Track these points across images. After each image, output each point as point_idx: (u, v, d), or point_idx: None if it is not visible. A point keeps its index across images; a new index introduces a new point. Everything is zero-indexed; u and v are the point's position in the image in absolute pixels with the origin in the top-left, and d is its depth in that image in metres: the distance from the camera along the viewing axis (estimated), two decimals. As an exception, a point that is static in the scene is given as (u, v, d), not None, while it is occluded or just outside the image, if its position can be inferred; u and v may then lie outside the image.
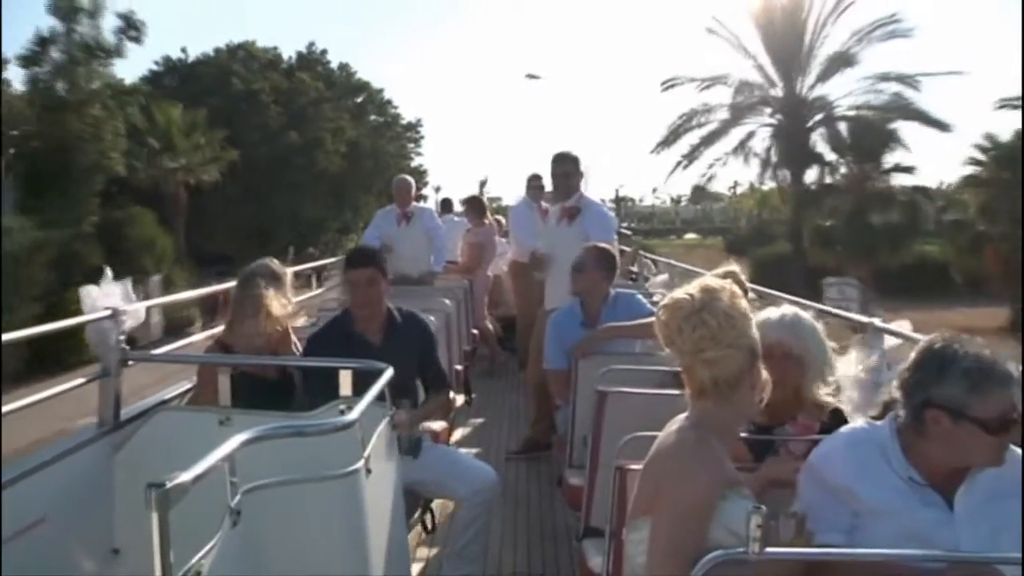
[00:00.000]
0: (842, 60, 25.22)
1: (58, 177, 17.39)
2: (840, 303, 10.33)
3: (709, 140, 26.76)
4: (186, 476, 1.21)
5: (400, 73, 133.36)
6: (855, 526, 1.74)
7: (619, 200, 53.02)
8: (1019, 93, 21.97)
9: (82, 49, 18.34)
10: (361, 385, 2.27)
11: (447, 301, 5.34)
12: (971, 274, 22.99)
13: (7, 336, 2.36)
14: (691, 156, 26.94)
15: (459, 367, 5.47)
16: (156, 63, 28.92)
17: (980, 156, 23.05)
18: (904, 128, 24.61)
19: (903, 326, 2.79)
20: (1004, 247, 20.99)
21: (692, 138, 26.91)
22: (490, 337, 7.97)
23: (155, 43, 47.84)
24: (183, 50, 29.84)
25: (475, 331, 7.08)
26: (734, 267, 3.20)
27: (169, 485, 1.16)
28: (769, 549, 1.35)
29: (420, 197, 15.67)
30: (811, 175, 26.13)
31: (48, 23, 18.26)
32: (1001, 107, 22.70)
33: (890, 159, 25.13)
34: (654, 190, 72.70)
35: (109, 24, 18.86)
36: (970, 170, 23.64)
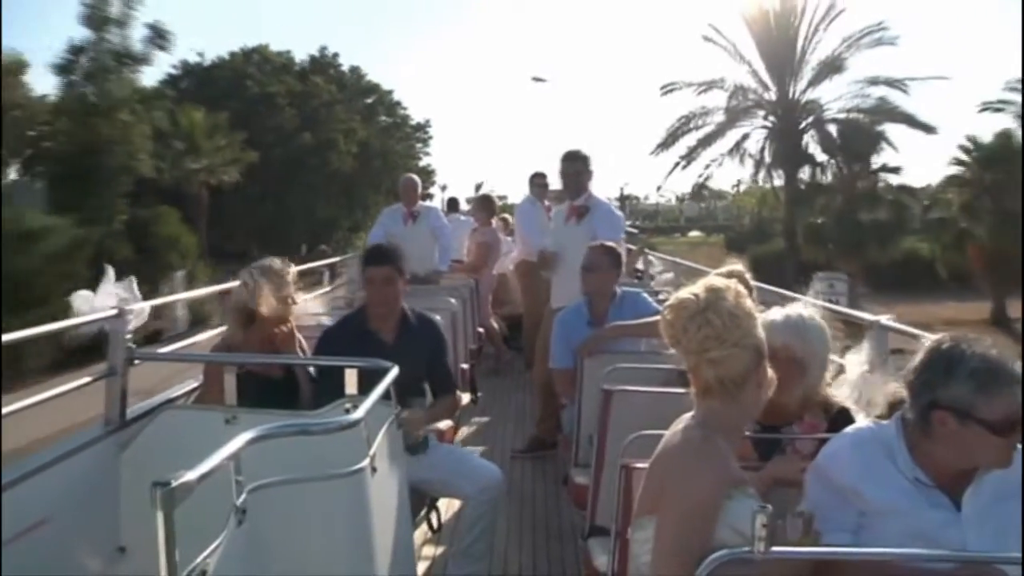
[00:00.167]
0: (833, 65, 26.23)
1: (89, 178, 18.19)
2: (830, 297, 10.56)
3: (706, 142, 27.67)
4: (191, 475, 1.20)
5: (409, 75, 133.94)
6: (861, 526, 1.73)
7: (623, 198, 53.08)
8: (1000, 96, 23.23)
9: (112, 57, 19.14)
10: (369, 383, 2.27)
11: (453, 300, 5.34)
12: (955, 269, 23.64)
13: (7, 336, 2.36)
14: (689, 157, 27.91)
15: (465, 366, 5.46)
16: (174, 67, 29.29)
17: (963, 157, 24.17)
18: (891, 130, 25.77)
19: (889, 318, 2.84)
20: (985, 244, 21.85)
21: (690, 140, 27.91)
22: (496, 336, 7.95)
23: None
24: (200, 54, 30.11)
25: (481, 330, 7.07)
26: (738, 266, 3.19)
27: (175, 484, 1.16)
28: (774, 548, 1.35)
29: (426, 196, 15.73)
30: (803, 175, 27.02)
31: (81, 33, 19.19)
32: (983, 110, 24.06)
33: (878, 160, 26.16)
34: (658, 188, 72.52)
35: (138, 34, 19.81)
36: (954, 170, 24.81)
